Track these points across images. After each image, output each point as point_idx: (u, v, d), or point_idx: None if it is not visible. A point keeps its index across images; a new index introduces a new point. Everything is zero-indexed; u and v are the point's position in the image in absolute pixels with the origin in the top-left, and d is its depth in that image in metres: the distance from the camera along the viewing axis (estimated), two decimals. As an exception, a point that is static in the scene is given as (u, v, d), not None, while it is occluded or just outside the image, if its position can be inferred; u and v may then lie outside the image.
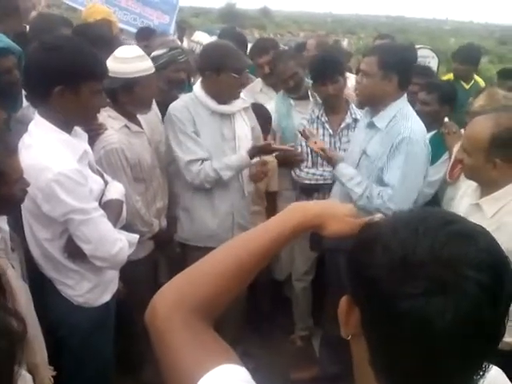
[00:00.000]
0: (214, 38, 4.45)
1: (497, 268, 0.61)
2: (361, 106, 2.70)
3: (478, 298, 0.59)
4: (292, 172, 3.02)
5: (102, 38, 2.64)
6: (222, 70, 2.42)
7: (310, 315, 3.24)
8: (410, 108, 2.40)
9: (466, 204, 1.91)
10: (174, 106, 2.53)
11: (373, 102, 2.40)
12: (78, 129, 1.87)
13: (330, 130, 2.94)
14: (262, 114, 2.92)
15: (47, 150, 1.68)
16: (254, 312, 3.01)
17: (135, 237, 1.95)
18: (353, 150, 2.59)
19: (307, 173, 2.95)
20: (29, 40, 2.64)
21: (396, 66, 2.27)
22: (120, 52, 2.29)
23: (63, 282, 1.85)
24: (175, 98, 2.81)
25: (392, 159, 2.27)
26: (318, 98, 3.07)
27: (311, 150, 2.86)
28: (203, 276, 0.82)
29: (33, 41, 2.62)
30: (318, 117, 2.97)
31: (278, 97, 3.24)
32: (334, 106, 2.92)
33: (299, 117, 3.09)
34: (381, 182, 2.34)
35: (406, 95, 2.39)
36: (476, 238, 0.63)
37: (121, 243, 1.81)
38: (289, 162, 3.00)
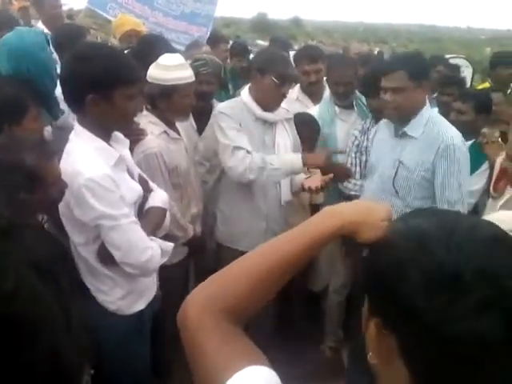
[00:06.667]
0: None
1: None
2: (400, 122, 2.67)
3: None
4: (339, 183, 2.98)
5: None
6: (265, 71, 2.45)
7: (341, 327, 3.19)
8: (437, 113, 2.46)
9: None
10: (223, 106, 2.58)
11: (410, 114, 2.38)
12: (118, 135, 1.89)
13: None
14: (310, 124, 2.91)
15: (81, 156, 1.72)
16: (284, 319, 2.99)
17: (170, 245, 1.93)
18: (381, 161, 2.54)
19: (355, 184, 2.91)
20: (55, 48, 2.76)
21: (424, 72, 2.36)
22: (162, 59, 2.34)
23: (98, 287, 1.86)
24: (202, 109, 2.84)
25: (440, 168, 2.26)
26: (364, 109, 3.06)
27: (360, 162, 2.85)
28: (234, 279, 0.80)
29: (57, 49, 2.71)
30: (368, 128, 2.95)
31: (324, 103, 3.19)
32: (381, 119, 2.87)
33: (342, 125, 3.08)
34: (423, 189, 2.34)
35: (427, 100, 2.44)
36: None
37: (151, 251, 1.80)
38: (337, 176, 2.94)
